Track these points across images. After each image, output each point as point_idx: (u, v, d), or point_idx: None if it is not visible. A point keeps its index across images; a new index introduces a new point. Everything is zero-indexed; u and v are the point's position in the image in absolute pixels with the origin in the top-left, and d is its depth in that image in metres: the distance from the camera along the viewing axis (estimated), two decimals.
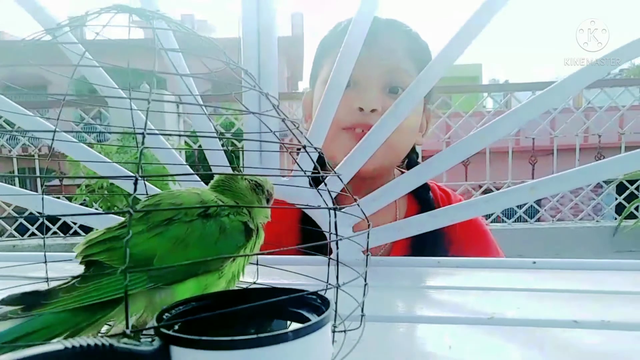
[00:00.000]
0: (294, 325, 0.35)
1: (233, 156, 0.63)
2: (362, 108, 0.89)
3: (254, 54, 0.81)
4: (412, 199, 1.02)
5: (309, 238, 0.88)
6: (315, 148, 0.48)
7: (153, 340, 0.27)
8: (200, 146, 3.47)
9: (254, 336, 0.27)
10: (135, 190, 0.28)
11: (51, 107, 3.75)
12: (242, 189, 0.50)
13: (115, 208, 3.21)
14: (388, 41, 0.93)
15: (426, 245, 0.91)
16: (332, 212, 0.41)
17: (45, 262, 0.56)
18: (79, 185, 3.60)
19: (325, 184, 0.40)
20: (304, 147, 0.42)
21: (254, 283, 0.59)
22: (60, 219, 3.21)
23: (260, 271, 0.62)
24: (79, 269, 0.40)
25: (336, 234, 0.39)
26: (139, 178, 0.29)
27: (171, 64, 0.62)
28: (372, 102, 0.90)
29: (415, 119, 0.97)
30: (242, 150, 1.07)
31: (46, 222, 3.78)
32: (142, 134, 0.30)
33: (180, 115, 3.97)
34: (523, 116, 0.71)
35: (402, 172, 0.92)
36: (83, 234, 3.71)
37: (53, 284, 0.52)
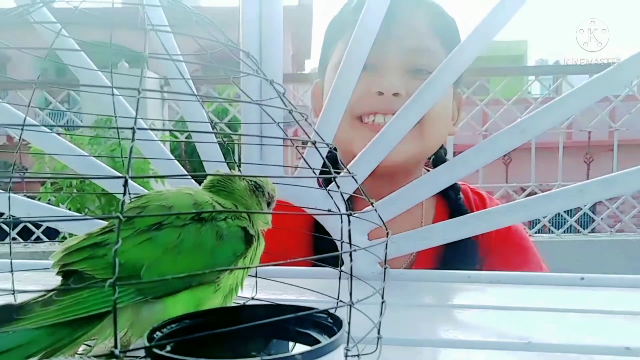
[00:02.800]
0: (300, 347, 0.37)
1: (230, 150, 0.64)
2: (383, 92, 0.91)
3: (255, 28, 0.83)
4: (442, 202, 1.03)
5: (322, 246, 0.89)
6: (327, 144, 0.50)
7: None
8: (188, 137, 3.50)
9: (259, 358, 0.29)
10: (125, 192, 0.30)
11: (11, 88, 3.80)
12: (240, 191, 0.52)
13: (86, 209, 3.24)
14: (408, 18, 0.95)
15: (456, 257, 0.93)
16: (344, 217, 0.42)
17: (12, 271, 0.58)
18: (43, 183, 3.64)
19: (338, 185, 0.42)
20: (314, 142, 0.44)
21: (252, 298, 0.61)
22: (21, 222, 3.25)
23: (260, 284, 0.64)
24: (48, 280, 0.42)
25: (350, 244, 0.41)
26: (129, 178, 0.31)
27: (160, 42, 0.64)
28: (394, 84, 0.91)
29: (448, 106, 0.99)
30: (239, 144, 1.10)
31: (4, 226, 3.83)
32: (132, 128, 0.32)
33: (165, 100, 4.00)
34: (576, 104, 0.71)
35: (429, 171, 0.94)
36: (45, 239, 3.75)
37: (21, 297, 0.55)
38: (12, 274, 0.58)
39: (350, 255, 0.41)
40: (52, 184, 3.53)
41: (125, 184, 0.31)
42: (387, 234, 0.49)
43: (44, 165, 3.22)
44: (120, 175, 0.31)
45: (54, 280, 0.62)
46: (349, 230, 0.41)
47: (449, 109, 1.01)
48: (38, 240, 3.69)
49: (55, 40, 0.58)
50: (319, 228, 0.87)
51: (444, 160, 1.06)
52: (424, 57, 0.94)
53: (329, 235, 0.80)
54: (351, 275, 0.41)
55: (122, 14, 0.48)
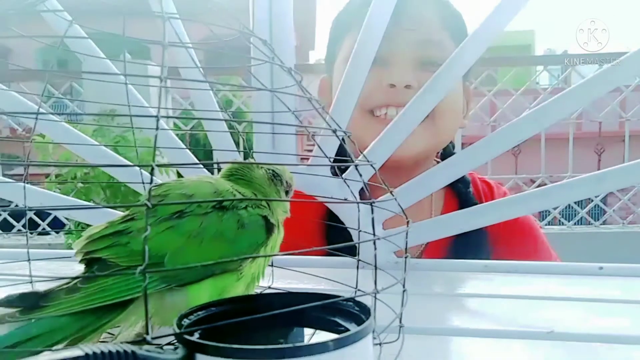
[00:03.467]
0: (325, 335, 0.37)
1: (243, 139, 0.65)
2: (394, 84, 0.92)
3: (265, 17, 0.83)
4: (450, 193, 1.04)
5: (336, 236, 0.90)
6: (344, 132, 0.50)
7: (176, 348, 0.30)
8: (193, 128, 3.51)
9: (291, 345, 0.29)
10: (152, 180, 0.30)
11: (13, 80, 3.80)
12: (259, 179, 0.52)
13: (92, 201, 3.25)
14: (416, 10, 0.96)
15: (466, 246, 0.93)
16: (363, 207, 0.43)
17: (29, 260, 0.59)
18: (47, 175, 3.65)
19: (360, 174, 0.42)
20: (334, 130, 0.44)
21: (269, 287, 0.61)
22: (34, 209, 3.26)
23: (275, 273, 0.64)
24: (63, 269, 0.43)
25: (373, 233, 0.41)
26: (155, 166, 0.31)
27: (174, 31, 0.65)
28: (406, 76, 0.92)
29: (458, 99, 1.00)
30: (247, 133, 1.10)
31: (8, 218, 3.85)
32: (157, 117, 0.32)
33: (168, 90, 4.00)
34: (588, 94, 0.71)
35: (438, 163, 0.94)
36: (53, 232, 3.77)
37: (38, 285, 0.56)
38: (30, 263, 0.58)
39: (374, 243, 0.41)
40: (56, 176, 3.54)
41: (152, 172, 0.31)
42: (408, 222, 0.49)
43: (48, 156, 3.22)
44: (144, 164, 0.31)
45: (69, 269, 0.63)
46: (372, 219, 0.41)
47: (460, 102, 1.02)
48: (43, 232, 3.70)
49: (66, 29, 0.59)
50: (331, 217, 0.88)
51: (452, 154, 1.07)
52: (433, 50, 0.95)
53: (341, 224, 0.81)
54: (375, 265, 0.41)
55: (129, 4, 0.48)
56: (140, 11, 0.45)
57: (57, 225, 3.89)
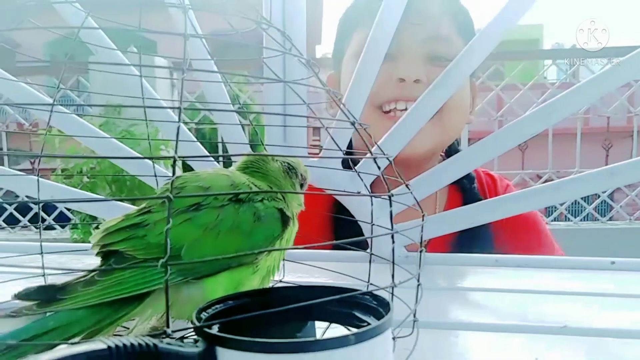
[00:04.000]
0: (341, 329, 0.37)
1: (257, 132, 0.65)
2: (404, 79, 0.93)
3: (278, 8, 0.83)
4: (455, 188, 1.05)
5: (344, 229, 0.90)
6: (361, 124, 0.49)
7: (197, 341, 0.30)
8: (199, 121, 3.51)
9: (312, 339, 0.29)
10: (174, 172, 0.30)
11: (21, 74, 3.81)
12: (275, 172, 0.52)
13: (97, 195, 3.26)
14: (424, 5, 0.97)
15: (472, 240, 0.93)
16: (376, 200, 0.42)
17: (42, 253, 0.59)
18: (53, 169, 3.66)
19: (379, 167, 0.42)
20: (353, 123, 0.44)
21: (280, 281, 0.61)
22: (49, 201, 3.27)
23: (286, 267, 0.64)
24: (74, 262, 0.43)
25: (391, 227, 0.41)
26: (177, 159, 0.31)
27: (190, 23, 0.64)
28: (415, 71, 0.93)
29: (466, 95, 1.02)
30: (259, 125, 1.10)
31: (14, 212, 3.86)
32: (179, 108, 0.32)
33: (175, 84, 4.00)
34: (599, 89, 0.72)
35: (443, 159, 0.94)
36: (58, 227, 3.78)
37: (50, 278, 0.56)
38: (42, 256, 0.58)
39: (392, 237, 0.40)
40: (62, 170, 3.55)
41: (174, 165, 0.31)
42: (423, 216, 0.49)
43: (55, 150, 3.23)
44: (168, 156, 0.31)
45: (79, 262, 0.63)
46: (391, 212, 0.41)
47: (467, 98, 1.03)
48: (50, 227, 3.72)
49: (82, 21, 0.59)
50: (338, 209, 0.88)
51: (457, 150, 1.09)
52: (442, 45, 0.96)
53: (351, 216, 0.81)
54: (393, 259, 0.41)
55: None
56: (158, 2, 0.45)
57: (62, 219, 3.90)
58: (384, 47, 0.78)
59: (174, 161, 0.31)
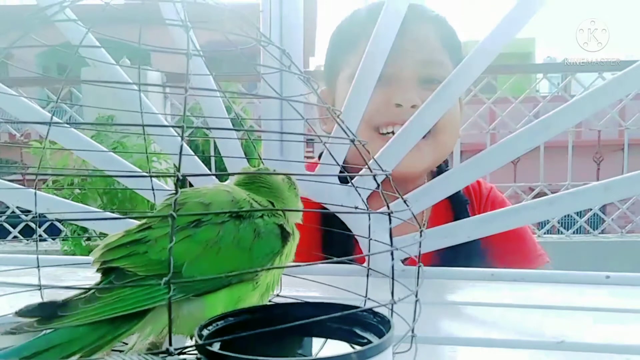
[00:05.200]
0: (343, 345, 0.37)
1: (254, 146, 0.65)
2: (401, 104, 0.95)
3: (276, 25, 0.83)
4: None
5: (332, 242, 0.91)
6: (359, 141, 0.50)
7: (199, 359, 0.30)
8: (191, 134, 3.50)
9: (315, 358, 0.29)
10: (177, 191, 0.30)
11: (13, 85, 3.80)
12: (277, 183, 0.52)
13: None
14: (418, 30, 1.00)
15: (458, 251, 0.94)
16: (373, 215, 0.43)
17: (38, 267, 0.59)
18: (44, 181, 3.64)
19: (378, 183, 0.42)
20: (352, 140, 0.44)
21: (277, 295, 0.61)
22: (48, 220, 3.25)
23: (282, 281, 0.64)
24: (71, 276, 0.43)
25: (390, 244, 0.41)
26: (181, 177, 0.31)
27: (191, 40, 0.64)
28: (412, 97, 0.96)
29: (457, 113, 1.04)
30: (254, 140, 1.10)
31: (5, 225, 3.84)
32: (182, 127, 0.32)
33: (167, 97, 4.00)
34: (593, 105, 0.73)
35: (433, 176, 0.96)
36: (48, 237, 3.76)
37: (47, 292, 0.56)
38: (39, 270, 0.58)
39: (392, 254, 0.41)
40: (53, 182, 3.53)
41: (177, 182, 0.31)
42: (421, 232, 0.50)
43: (45, 163, 3.21)
44: (168, 173, 0.31)
45: (77, 276, 0.63)
46: (390, 230, 0.42)
47: (458, 116, 1.06)
48: (41, 238, 3.69)
49: (82, 39, 0.59)
50: (327, 222, 0.89)
51: (446, 167, 1.11)
52: (435, 69, 0.99)
53: (338, 228, 0.82)
54: (392, 276, 0.41)
55: (143, 12, 0.48)
56: (157, 19, 0.45)
57: (53, 232, 3.88)
58: (377, 71, 0.79)
59: (177, 179, 0.31)
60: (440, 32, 1.02)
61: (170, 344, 0.30)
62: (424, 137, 0.95)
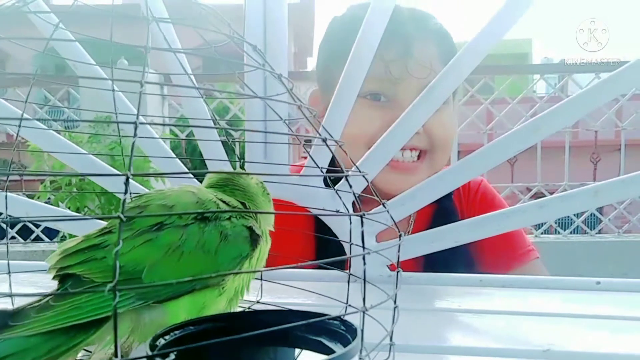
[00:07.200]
0: (310, 355, 0.35)
1: (234, 148, 0.63)
2: None
3: (259, 23, 0.81)
4: None
5: (327, 249, 0.89)
6: (335, 141, 0.48)
7: None
8: (189, 135, 3.49)
9: None
10: (127, 191, 0.28)
11: (9, 85, 3.79)
12: (251, 187, 0.50)
13: (86, 208, 3.23)
14: (422, 49, 0.97)
15: (446, 250, 0.93)
16: (355, 219, 0.41)
17: (9, 272, 0.57)
18: (42, 181, 3.63)
19: (350, 185, 0.40)
20: (325, 140, 0.42)
21: (257, 302, 0.59)
22: (19, 222, 3.23)
23: (264, 287, 0.62)
24: (47, 282, 0.41)
25: (363, 247, 0.39)
26: (130, 177, 0.29)
27: (163, 36, 0.63)
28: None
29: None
30: (240, 142, 1.08)
31: (2, 225, 3.82)
32: (134, 123, 0.30)
33: (165, 97, 3.98)
34: (587, 104, 0.71)
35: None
36: (47, 239, 3.74)
37: (19, 301, 0.53)
38: (10, 276, 0.56)
39: (364, 258, 0.39)
40: (51, 182, 3.52)
41: (127, 182, 0.29)
42: (400, 236, 0.47)
43: (42, 164, 3.20)
44: (120, 173, 0.29)
45: (53, 283, 0.60)
46: (362, 232, 0.39)
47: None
48: (37, 239, 3.67)
49: (54, 33, 0.57)
50: (321, 228, 0.87)
51: None
52: None
53: (333, 235, 0.79)
54: (364, 279, 0.39)
55: (122, 11, 0.47)
56: (126, 15, 0.43)
57: (52, 232, 3.86)
58: (357, 85, 0.77)
59: (127, 179, 0.29)
60: (442, 49, 1.00)
61: (117, 355, 0.28)
62: (419, 159, 0.95)
